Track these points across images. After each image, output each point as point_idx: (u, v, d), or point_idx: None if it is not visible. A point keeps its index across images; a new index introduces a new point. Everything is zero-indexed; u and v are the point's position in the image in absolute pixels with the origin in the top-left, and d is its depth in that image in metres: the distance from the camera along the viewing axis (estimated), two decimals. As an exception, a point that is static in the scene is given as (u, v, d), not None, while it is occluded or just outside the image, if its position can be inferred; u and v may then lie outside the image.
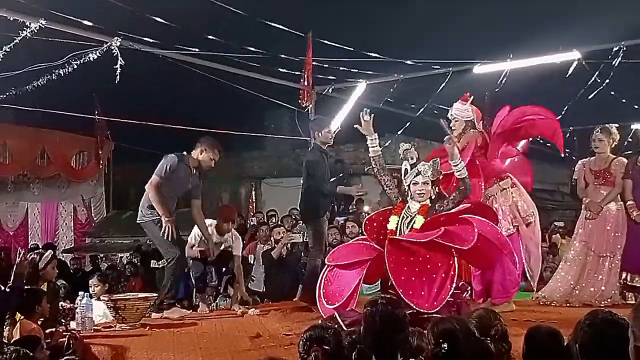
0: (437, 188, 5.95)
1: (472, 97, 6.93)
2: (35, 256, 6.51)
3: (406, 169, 6.04)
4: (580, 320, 2.85)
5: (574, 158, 7.53)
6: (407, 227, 5.83)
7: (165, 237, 6.87)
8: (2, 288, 5.62)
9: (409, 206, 5.91)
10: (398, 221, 5.89)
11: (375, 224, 6.19)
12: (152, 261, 10.74)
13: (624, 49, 9.68)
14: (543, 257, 11.81)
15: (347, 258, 5.87)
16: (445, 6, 10.00)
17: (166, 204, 6.87)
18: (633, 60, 9.86)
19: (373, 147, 6.24)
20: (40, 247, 13.23)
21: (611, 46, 9.80)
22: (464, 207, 6.07)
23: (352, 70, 11.12)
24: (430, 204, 5.87)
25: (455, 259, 5.36)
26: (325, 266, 6.08)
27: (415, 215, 5.85)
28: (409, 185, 5.95)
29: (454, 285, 5.30)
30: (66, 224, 17.57)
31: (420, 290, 5.23)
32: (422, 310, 5.06)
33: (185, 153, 7.09)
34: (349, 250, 6.09)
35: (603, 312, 2.79)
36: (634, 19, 9.51)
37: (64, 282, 8.04)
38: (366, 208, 14.12)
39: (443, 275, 5.28)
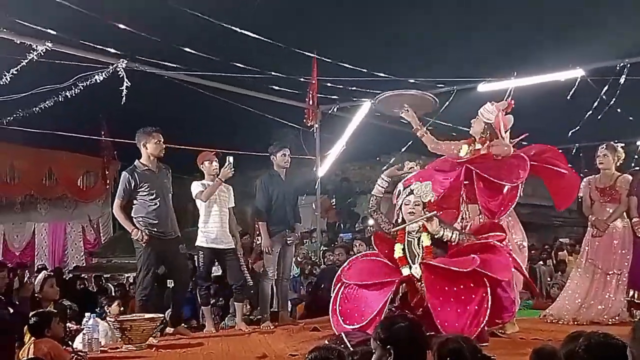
0: (426, 211, 5.83)
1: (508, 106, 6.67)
2: (33, 280, 6.53)
3: (399, 190, 6.01)
4: (565, 340, 2.82)
5: (581, 175, 7.44)
6: (420, 248, 5.78)
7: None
8: (12, 310, 5.63)
9: (408, 231, 5.86)
10: (404, 247, 5.84)
11: (384, 236, 6.15)
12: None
13: (629, 66, 9.69)
14: (550, 274, 11.83)
15: (368, 277, 5.80)
16: (451, 25, 10.00)
17: (132, 221, 6.91)
18: (638, 77, 9.85)
19: (381, 186, 6.20)
20: (49, 268, 13.21)
21: (615, 63, 9.80)
22: (474, 226, 6.11)
23: (357, 89, 11.11)
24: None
25: (489, 289, 5.30)
26: (341, 283, 5.96)
27: (420, 234, 5.80)
28: (400, 206, 5.91)
29: (486, 318, 5.26)
30: (75, 244, 17.63)
31: (454, 322, 5.20)
32: None
33: (136, 162, 7.08)
34: (367, 268, 5.98)
35: (597, 336, 2.76)
36: (637, 37, 9.49)
37: (70, 303, 8.04)
38: (371, 222, 14.05)
39: (476, 307, 5.25)
